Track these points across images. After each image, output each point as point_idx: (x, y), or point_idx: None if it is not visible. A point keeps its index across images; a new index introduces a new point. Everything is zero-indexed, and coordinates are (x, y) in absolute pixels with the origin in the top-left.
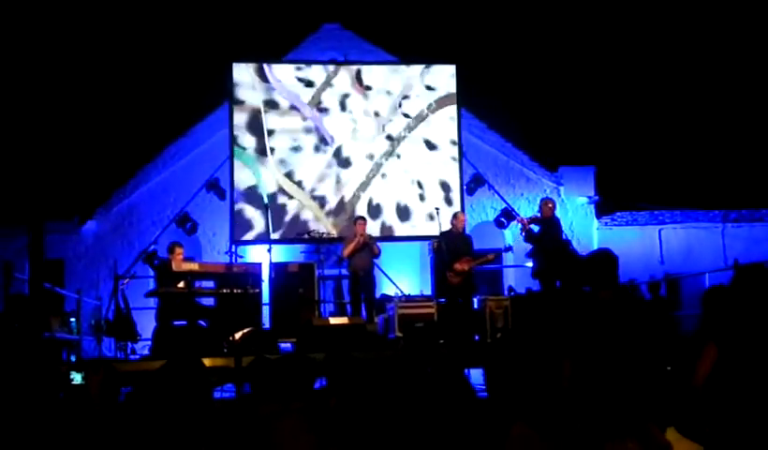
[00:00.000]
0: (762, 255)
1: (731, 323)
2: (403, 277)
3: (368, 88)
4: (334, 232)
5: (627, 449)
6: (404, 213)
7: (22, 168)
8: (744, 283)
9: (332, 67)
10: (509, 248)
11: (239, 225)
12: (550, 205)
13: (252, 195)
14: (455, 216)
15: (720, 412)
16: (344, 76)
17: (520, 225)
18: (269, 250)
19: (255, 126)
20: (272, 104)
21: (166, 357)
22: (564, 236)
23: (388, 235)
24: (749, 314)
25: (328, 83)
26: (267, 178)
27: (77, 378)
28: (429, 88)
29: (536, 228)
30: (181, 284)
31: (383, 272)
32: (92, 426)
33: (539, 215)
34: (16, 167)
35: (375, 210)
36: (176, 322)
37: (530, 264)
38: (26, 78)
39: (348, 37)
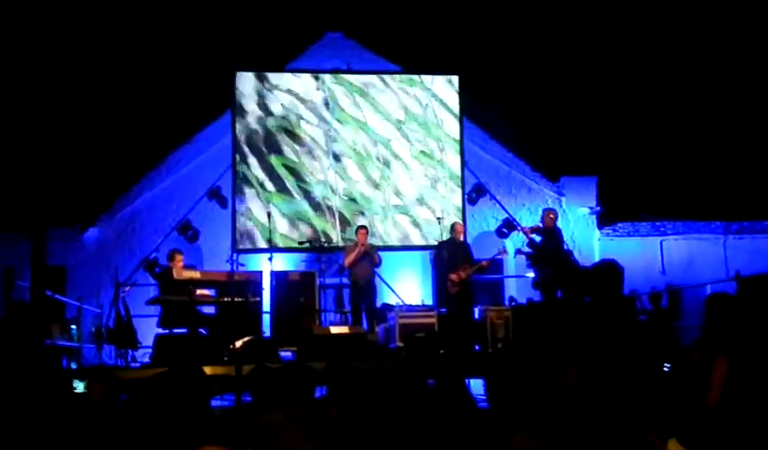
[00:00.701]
0: (764, 267)
1: (739, 337)
2: (404, 286)
3: (370, 97)
4: (336, 241)
5: None
6: (405, 222)
7: (25, 174)
8: (750, 296)
9: (334, 76)
10: (503, 250)
11: (240, 233)
12: (552, 216)
13: (254, 203)
14: (454, 226)
15: (732, 427)
16: (346, 84)
17: (522, 234)
18: (270, 259)
19: (257, 134)
20: (274, 112)
21: (166, 365)
22: (565, 247)
23: (389, 245)
24: (758, 327)
25: (330, 92)
26: (269, 186)
27: (79, 386)
28: (431, 98)
29: (537, 238)
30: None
31: (384, 281)
32: (94, 434)
33: (540, 225)
34: (18, 173)
35: (376, 219)
36: (177, 331)
37: (531, 275)
38: (30, 84)
39: (351, 46)
